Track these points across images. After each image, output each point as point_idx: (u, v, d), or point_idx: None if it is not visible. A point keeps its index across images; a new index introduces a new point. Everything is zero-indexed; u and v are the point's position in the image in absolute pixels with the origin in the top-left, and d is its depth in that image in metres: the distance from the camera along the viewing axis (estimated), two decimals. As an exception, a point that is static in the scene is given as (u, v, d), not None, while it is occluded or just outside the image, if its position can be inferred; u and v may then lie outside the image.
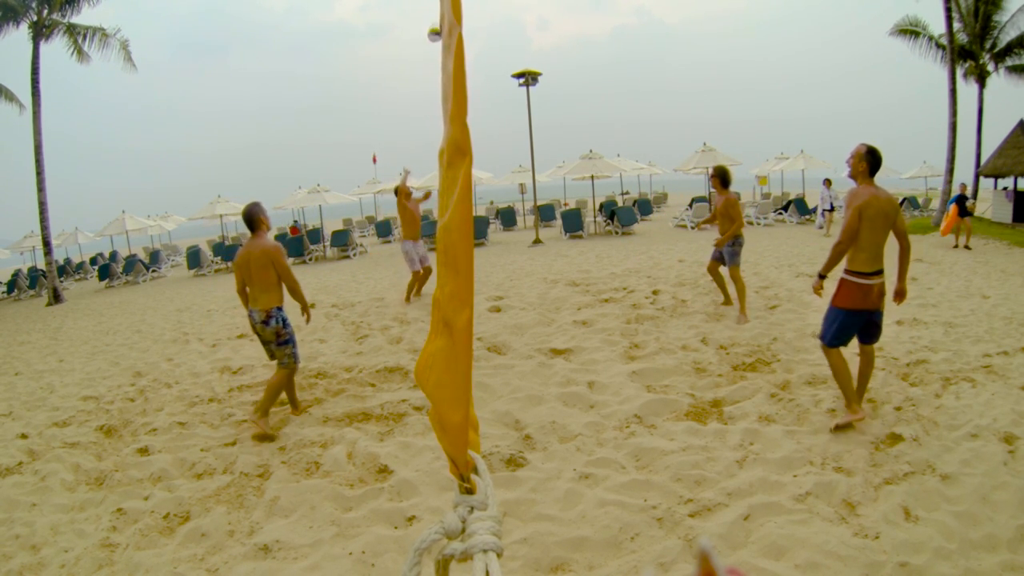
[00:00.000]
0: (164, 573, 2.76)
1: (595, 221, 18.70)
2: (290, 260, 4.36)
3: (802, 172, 20.97)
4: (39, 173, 15.72)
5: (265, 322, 4.25)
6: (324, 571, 2.66)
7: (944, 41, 16.72)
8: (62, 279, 20.34)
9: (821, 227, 14.68)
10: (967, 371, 4.43)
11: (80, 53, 16.08)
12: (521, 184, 22.01)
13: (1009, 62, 18.14)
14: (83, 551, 2.99)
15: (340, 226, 25.26)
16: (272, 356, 4.46)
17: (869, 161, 3.57)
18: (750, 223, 18.01)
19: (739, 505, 2.88)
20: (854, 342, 3.84)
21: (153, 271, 19.43)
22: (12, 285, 20.20)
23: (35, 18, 15.51)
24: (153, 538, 3.07)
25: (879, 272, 3.57)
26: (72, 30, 15.86)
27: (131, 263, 18.57)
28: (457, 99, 0.89)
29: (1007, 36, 17.71)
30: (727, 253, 6.47)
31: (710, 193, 19.38)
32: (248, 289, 4.30)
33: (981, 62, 18.21)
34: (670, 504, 2.94)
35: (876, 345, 3.81)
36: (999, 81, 18.58)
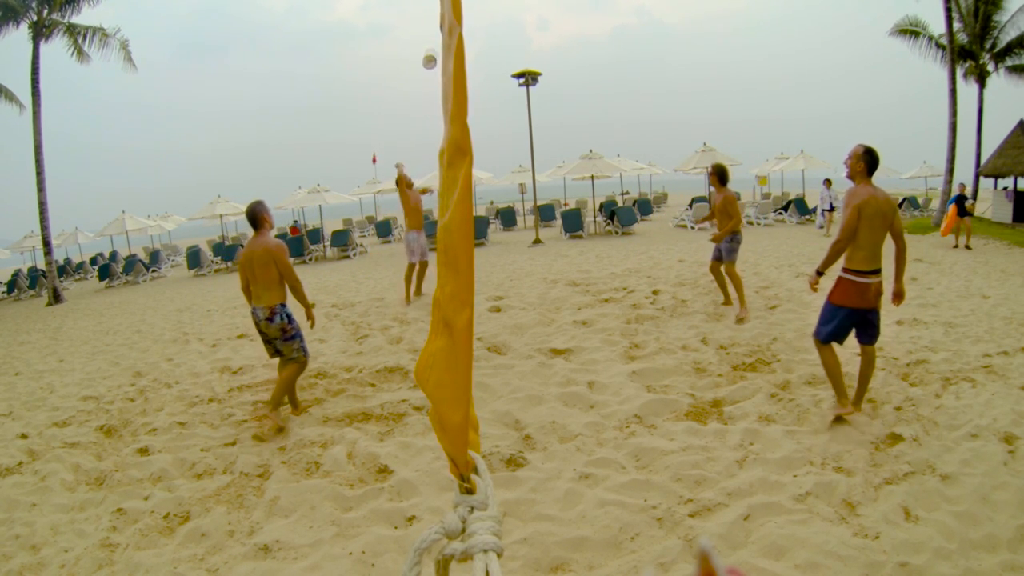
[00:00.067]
0: (164, 573, 2.76)
1: (595, 221, 18.70)
2: (290, 260, 4.38)
3: (802, 172, 20.97)
4: (39, 173, 15.72)
5: (269, 319, 4.26)
6: (324, 571, 2.66)
7: (944, 41, 16.72)
8: (62, 279, 20.34)
9: (821, 227, 14.68)
10: (967, 371, 4.43)
11: (80, 53, 16.08)
12: (521, 184, 22.02)
13: (1009, 62, 18.14)
14: (83, 551, 2.99)
15: (340, 226, 25.25)
16: (274, 354, 4.46)
17: (867, 161, 3.61)
18: (750, 223, 18.01)
19: (739, 505, 2.88)
20: (854, 343, 3.85)
21: (153, 271, 19.43)
22: (12, 285, 20.21)
23: (35, 18, 15.51)
24: (153, 538, 3.07)
25: (877, 271, 3.60)
26: (72, 30, 15.87)
27: (131, 263, 18.57)
28: (457, 99, 0.89)
29: (1007, 36, 17.72)
30: (724, 249, 6.52)
31: (710, 193, 19.40)
32: (252, 288, 4.32)
33: (981, 62, 18.21)
34: (670, 504, 2.94)
35: (876, 345, 3.82)
36: (999, 81, 18.59)
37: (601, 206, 20.53)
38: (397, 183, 8.28)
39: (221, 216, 20.98)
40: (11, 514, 3.46)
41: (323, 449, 3.88)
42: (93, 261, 24.89)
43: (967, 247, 11.22)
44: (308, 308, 4.45)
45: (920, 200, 20.89)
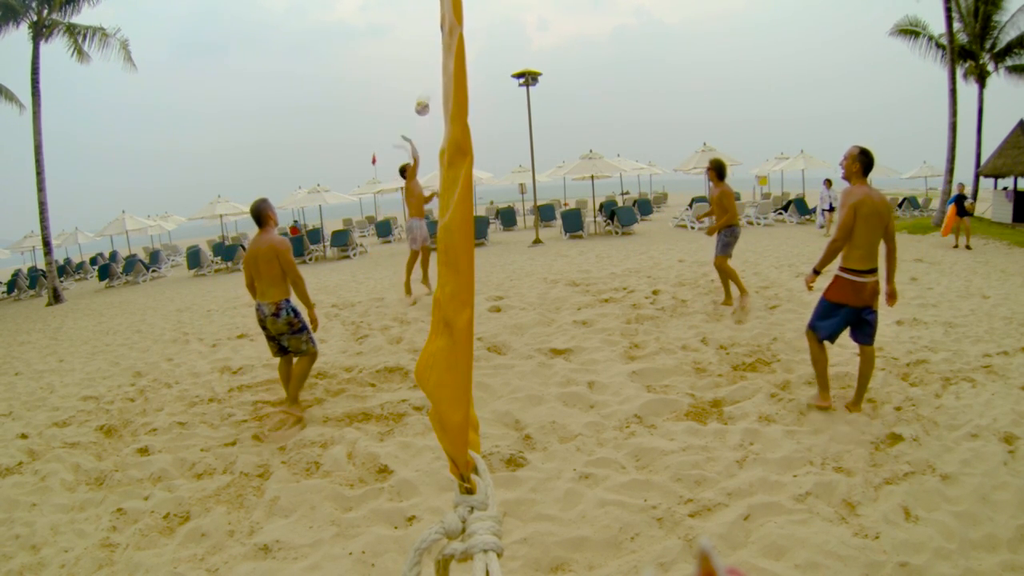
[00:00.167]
0: (164, 573, 2.76)
1: (595, 221, 18.70)
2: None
3: (802, 172, 20.98)
4: (39, 173, 15.72)
5: (275, 314, 4.28)
6: (324, 571, 2.66)
7: (944, 41, 16.72)
8: (62, 279, 20.34)
9: (822, 227, 14.69)
10: (967, 371, 4.43)
11: (80, 53, 16.08)
12: (521, 184, 22.03)
13: (1009, 62, 18.14)
14: (83, 551, 2.99)
15: (340, 226, 25.26)
16: (278, 352, 4.47)
17: (862, 162, 3.67)
18: (750, 223, 18.01)
19: (739, 505, 2.88)
20: (854, 344, 3.86)
21: (153, 271, 19.43)
22: (12, 285, 20.21)
23: (35, 18, 15.51)
24: (153, 538, 3.07)
25: (873, 271, 3.65)
26: (72, 30, 15.87)
27: (131, 263, 18.57)
28: (458, 99, 0.89)
29: (1007, 36, 17.71)
30: (720, 243, 6.63)
31: (709, 190, 19.45)
32: (256, 284, 4.35)
33: (981, 62, 18.21)
34: (670, 504, 2.94)
35: (876, 345, 3.83)
36: (999, 81, 18.59)
37: (601, 206, 20.53)
38: (402, 172, 8.24)
39: (221, 216, 20.99)
40: (11, 514, 3.46)
41: (323, 449, 3.88)
42: (93, 261, 24.90)
43: (967, 247, 11.22)
44: (310, 308, 4.45)
45: (920, 200, 20.89)
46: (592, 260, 11.68)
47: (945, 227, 11.91)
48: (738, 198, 21.70)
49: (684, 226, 17.89)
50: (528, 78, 14.84)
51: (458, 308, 0.89)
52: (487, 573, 0.81)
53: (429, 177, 18.85)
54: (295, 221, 24.45)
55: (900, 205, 20.21)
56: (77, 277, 23.29)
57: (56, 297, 15.52)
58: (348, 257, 17.53)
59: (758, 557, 2.52)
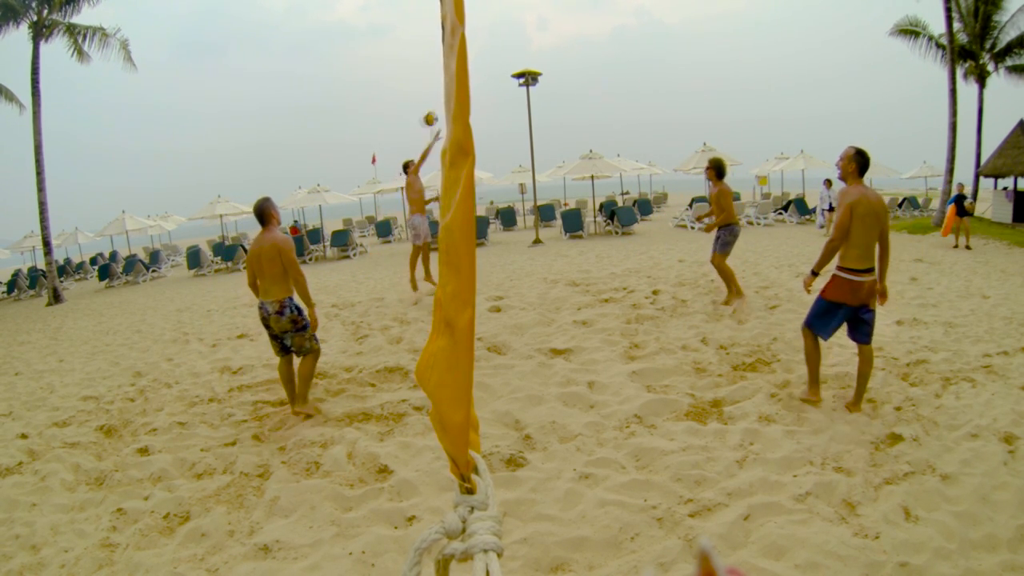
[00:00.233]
0: (164, 573, 2.76)
1: (595, 221, 18.70)
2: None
3: (802, 172, 20.98)
4: (39, 173, 15.72)
5: (280, 312, 4.29)
6: (324, 571, 2.66)
7: (944, 41, 16.72)
8: (62, 279, 20.34)
9: (822, 227, 14.69)
10: (967, 371, 4.43)
11: (80, 53, 16.08)
12: (521, 184, 22.02)
13: (1009, 62, 18.14)
14: (83, 551, 2.99)
15: (340, 226, 25.26)
16: (281, 351, 4.49)
17: (858, 162, 3.71)
18: (750, 223, 18.01)
19: (739, 505, 2.88)
20: (853, 344, 3.86)
21: (153, 271, 19.43)
22: (12, 285, 20.20)
23: (35, 18, 15.51)
24: (153, 538, 3.07)
25: (870, 270, 3.69)
26: (72, 30, 15.86)
27: (131, 263, 18.57)
28: (459, 99, 0.89)
29: (1007, 36, 17.71)
30: (719, 242, 6.73)
31: (709, 190, 19.47)
32: (259, 283, 4.36)
33: (981, 62, 18.21)
34: (670, 504, 2.94)
35: (876, 345, 3.84)
36: (999, 81, 18.59)
37: (601, 206, 20.53)
38: (405, 168, 8.29)
39: (221, 216, 20.98)
40: (11, 514, 3.46)
41: (323, 449, 3.88)
42: (93, 261, 24.90)
43: (967, 247, 11.22)
44: (311, 307, 4.45)
45: (920, 200, 20.89)
46: (592, 260, 11.68)
47: (945, 227, 11.91)
48: (738, 198, 21.74)
49: (684, 226, 17.89)
50: (528, 78, 14.84)
51: (459, 308, 0.89)
52: (487, 573, 0.81)
53: (430, 177, 18.85)
54: (295, 221, 24.43)
55: (900, 205, 20.21)
56: (77, 277, 23.29)
57: (56, 297, 15.52)
58: (348, 257, 17.53)
59: (758, 557, 2.52)
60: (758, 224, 17.98)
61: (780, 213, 18.96)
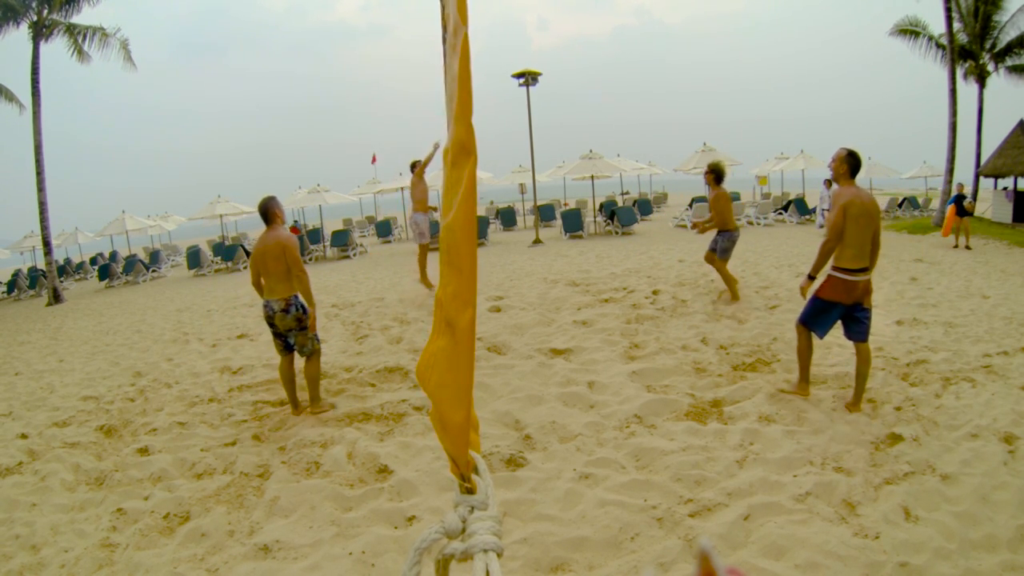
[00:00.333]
0: (164, 573, 2.76)
1: (595, 221, 18.70)
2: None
3: (802, 172, 20.98)
4: (39, 173, 15.72)
5: (285, 310, 4.31)
6: (324, 571, 2.66)
7: (944, 41, 16.73)
8: (62, 279, 20.34)
9: (821, 227, 14.69)
10: (967, 371, 4.43)
11: (80, 53, 16.08)
12: (521, 184, 22.02)
13: (1009, 62, 18.14)
14: (83, 551, 2.99)
15: (340, 226, 25.26)
16: (284, 350, 4.50)
17: (849, 163, 3.78)
18: (750, 223, 18.02)
19: (739, 505, 2.88)
20: (850, 343, 3.87)
21: (153, 271, 19.43)
22: (12, 285, 20.20)
23: (35, 18, 15.51)
24: (153, 538, 3.08)
25: (865, 269, 3.74)
26: (72, 30, 15.86)
27: (131, 263, 18.57)
28: (462, 99, 0.89)
29: (1007, 36, 17.72)
30: (718, 248, 6.88)
31: (709, 193, 19.47)
32: (264, 281, 4.38)
33: (981, 62, 18.21)
34: (670, 504, 2.94)
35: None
36: (999, 81, 18.60)
37: (601, 206, 20.53)
38: (412, 167, 8.38)
39: (221, 216, 20.97)
40: (11, 514, 3.46)
41: (323, 449, 3.88)
42: (93, 261, 24.89)
43: (967, 247, 11.23)
44: (311, 307, 4.46)
45: (920, 200, 20.88)
46: (592, 260, 11.68)
47: (945, 227, 11.91)
48: (737, 198, 21.74)
49: (684, 226, 17.88)
50: (528, 78, 14.84)
51: (460, 308, 0.89)
52: (487, 573, 0.81)
53: (432, 176, 18.85)
54: (295, 221, 24.43)
55: (900, 205, 20.21)
56: (77, 277, 23.28)
57: (56, 297, 15.51)
58: (348, 257, 17.53)
59: (758, 557, 2.52)
60: (758, 224, 17.98)
61: (780, 213, 18.96)
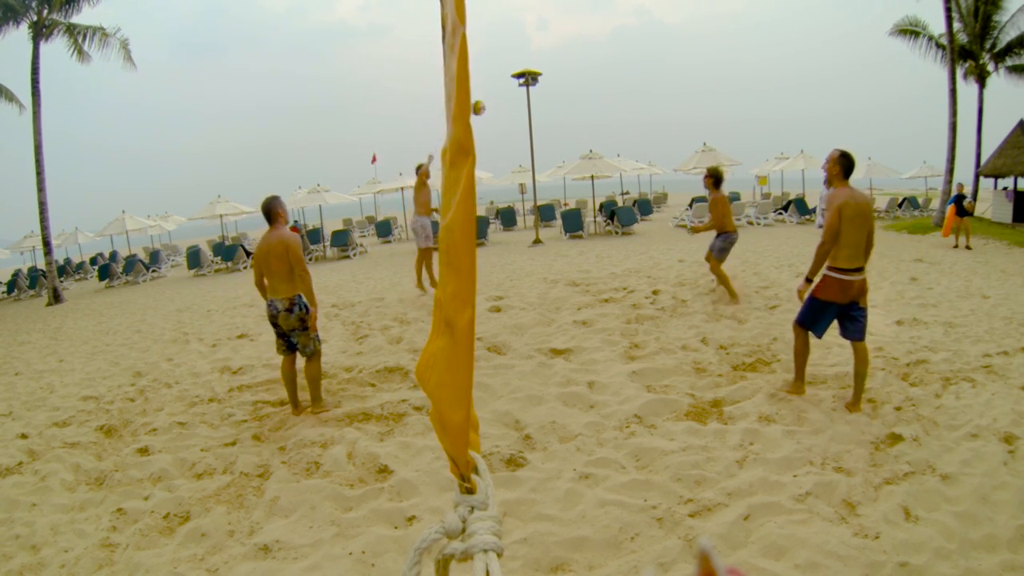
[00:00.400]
0: (164, 573, 2.76)
1: (595, 221, 18.70)
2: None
3: (802, 172, 20.98)
4: (39, 173, 15.72)
5: (289, 309, 4.31)
6: (324, 571, 2.66)
7: (944, 41, 16.73)
8: (62, 279, 20.34)
9: (821, 227, 14.68)
10: (967, 371, 4.43)
11: (80, 53, 16.08)
12: (521, 184, 22.02)
13: (1009, 62, 18.14)
14: (83, 551, 2.99)
15: (340, 226, 25.26)
16: (286, 349, 4.51)
17: (843, 165, 3.81)
18: (750, 223, 18.02)
19: (739, 505, 2.88)
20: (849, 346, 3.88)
21: (153, 271, 19.43)
22: (12, 285, 20.20)
23: (35, 18, 15.51)
24: (153, 538, 3.08)
25: (860, 269, 3.77)
26: (72, 30, 15.86)
27: (131, 263, 18.57)
28: (460, 99, 0.89)
29: (1007, 36, 17.72)
30: (716, 247, 6.97)
31: (709, 195, 19.47)
32: (267, 281, 4.38)
33: (981, 62, 18.21)
34: (670, 504, 2.94)
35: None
36: (999, 81, 18.60)
37: (601, 206, 20.53)
38: (417, 170, 8.42)
39: (221, 216, 20.98)
40: (11, 514, 3.46)
41: (323, 449, 3.88)
42: (93, 261, 24.89)
43: (967, 247, 11.22)
44: (313, 306, 4.45)
45: (920, 200, 20.88)
46: (592, 260, 11.68)
47: (945, 228, 11.90)
48: (737, 198, 21.75)
49: (684, 226, 17.88)
50: (528, 78, 14.84)
51: (459, 308, 0.89)
52: (487, 573, 0.81)
53: (432, 176, 18.82)
54: (295, 221, 24.42)
55: (900, 205, 20.20)
56: (77, 277, 23.28)
57: (56, 297, 15.51)
58: (348, 257, 17.53)
59: (758, 557, 2.52)
60: (758, 224, 17.98)
61: (780, 213, 18.95)
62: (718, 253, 6.97)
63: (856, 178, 22.60)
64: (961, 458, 3.17)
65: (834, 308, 3.83)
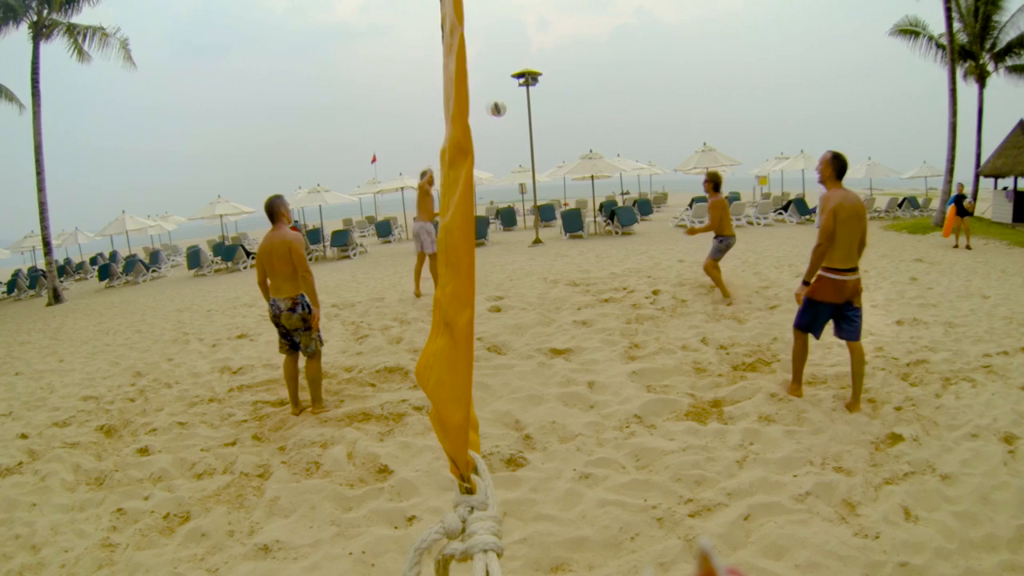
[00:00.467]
0: (164, 573, 2.76)
1: (595, 221, 18.70)
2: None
3: (802, 172, 20.98)
4: (39, 173, 15.72)
5: (292, 309, 4.32)
6: (324, 571, 2.66)
7: (944, 41, 16.72)
8: (62, 279, 20.34)
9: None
10: (967, 371, 4.43)
11: (80, 53, 16.08)
12: (521, 184, 22.01)
13: (1009, 62, 18.13)
14: (83, 551, 2.99)
15: (340, 226, 25.26)
16: (289, 348, 4.52)
17: (835, 166, 3.84)
18: (750, 223, 18.02)
19: (739, 505, 2.88)
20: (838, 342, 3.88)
21: (153, 271, 19.43)
22: (12, 285, 20.19)
23: (35, 18, 15.51)
24: (153, 538, 3.08)
25: (854, 269, 3.80)
26: (72, 30, 15.86)
27: (131, 263, 18.56)
28: (459, 99, 0.89)
29: (1007, 36, 17.71)
30: (713, 248, 7.11)
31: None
32: (270, 280, 4.38)
33: (981, 62, 18.20)
34: (670, 504, 2.94)
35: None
36: (999, 81, 18.59)
37: (601, 206, 20.53)
38: (422, 175, 8.45)
39: (221, 216, 20.98)
40: (11, 514, 3.46)
41: (323, 449, 3.88)
42: (93, 261, 24.88)
43: (967, 247, 11.22)
44: (316, 306, 4.45)
45: (920, 200, 20.88)
46: (592, 260, 11.68)
47: (946, 228, 11.89)
48: (737, 198, 21.74)
49: (684, 226, 17.89)
50: (528, 78, 14.84)
51: (459, 308, 0.89)
52: (487, 573, 0.81)
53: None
54: (295, 221, 24.42)
55: (900, 205, 20.20)
56: (77, 277, 23.28)
57: (56, 297, 15.51)
58: (348, 257, 17.53)
59: (758, 557, 2.52)
60: (758, 224, 17.98)
61: (780, 213, 18.96)
62: (713, 253, 7.11)
63: (856, 178, 22.64)
64: (961, 458, 3.17)
65: (829, 308, 3.86)
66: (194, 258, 18.27)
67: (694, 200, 20.67)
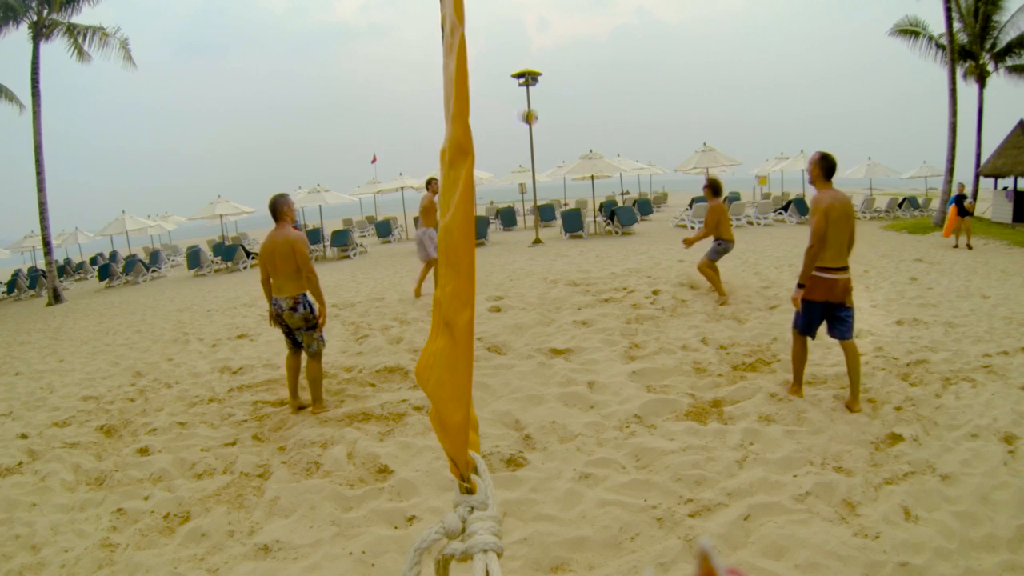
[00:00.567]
0: (164, 573, 2.76)
1: (595, 221, 18.69)
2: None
3: (802, 172, 20.94)
4: (39, 173, 15.71)
5: (293, 308, 4.32)
6: (324, 571, 2.66)
7: (944, 41, 16.72)
8: (62, 279, 20.33)
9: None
10: (967, 371, 4.43)
11: (80, 53, 16.07)
12: (521, 184, 22.01)
13: (1009, 62, 18.12)
14: (83, 551, 2.99)
15: (340, 226, 25.25)
16: (295, 346, 4.54)
17: (823, 166, 3.87)
18: (750, 223, 18.02)
19: (739, 505, 2.88)
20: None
21: (153, 271, 19.43)
22: (12, 285, 20.19)
23: (35, 18, 15.51)
24: (153, 538, 3.07)
25: (844, 268, 3.84)
26: (72, 30, 15.86)
27: (131, 263, 18.56)
28: (459, 99, 0.89)
29: (1007, 36, 17.70)
30: (710, 249, 7.14)
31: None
32: (273, 280, 4.38)
33: (981, 62, 18.20)
34: (670, 504, 2.94)
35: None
36: (999, 81, 18.58)
37: (601, 206, 20.52)
38: (427, 184, 8.53)
39: (221, 216, 20.97)
40: (11, 514, 3.46)
41: (323, 449, 3.88)
42: (93, 261, 24.88)
43: (968, 247, 11.22)
44: (322, 305, 4.44)
45: (920, 200, 20.88)
46: (592, 260, 11.68)
47: (947, 228, 11.88)
48: (737, 197, 21.74)
49: (684, 226, 17.88)
50: (528, 78, 14.83)
51: (458, 308, 0.89)
52: (487, 573, 0.81)
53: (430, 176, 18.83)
54: (295, 221, 24.42)
55: (900, 205, 20.20)
56: (77, 277, 23.27)
57: (56, 297, 15.51)
58: (348, 257, 17.53)
59: (758, 557, 2.52)
60: (758, 224, 17.98)
61: (780, 213, 18.96)
62: (710, 253, 7.14)
63: (856, 178, 22.62)
64: (961, 458, 3.17)
65: (821, 307, 3.90)
66: (194, 258, 18.27)
67: (694, 200, 20.67)
